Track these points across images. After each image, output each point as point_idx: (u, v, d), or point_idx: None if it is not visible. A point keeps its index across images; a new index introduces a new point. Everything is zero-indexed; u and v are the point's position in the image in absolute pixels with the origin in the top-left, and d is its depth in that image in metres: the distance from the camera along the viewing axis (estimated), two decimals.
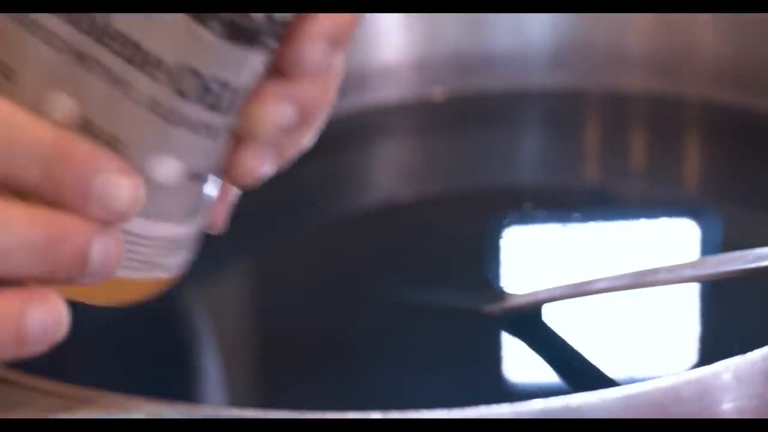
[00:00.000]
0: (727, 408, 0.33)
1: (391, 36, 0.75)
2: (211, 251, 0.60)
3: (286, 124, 0.34)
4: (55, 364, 0.44)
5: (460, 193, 0.67)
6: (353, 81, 0.74)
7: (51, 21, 0.32)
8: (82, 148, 0.31)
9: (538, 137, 0.77)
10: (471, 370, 0.48)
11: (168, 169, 0.33)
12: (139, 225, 0.34)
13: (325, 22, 0.33)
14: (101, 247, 0.31)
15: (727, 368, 0.34)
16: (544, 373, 0.48)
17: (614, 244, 0.59)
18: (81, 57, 0.32)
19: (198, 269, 0.57)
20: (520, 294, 0.52)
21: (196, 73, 0.32)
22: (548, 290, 0.50)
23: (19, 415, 0.33)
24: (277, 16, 0.32)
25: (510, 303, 0.51)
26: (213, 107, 0.33)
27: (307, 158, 0.71)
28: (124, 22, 0.31)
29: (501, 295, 0.53)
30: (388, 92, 0.75)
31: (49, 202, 0.31)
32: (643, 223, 0.62)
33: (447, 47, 0.76)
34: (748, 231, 0.60)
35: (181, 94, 0.32)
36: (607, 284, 0.48)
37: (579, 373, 0.48)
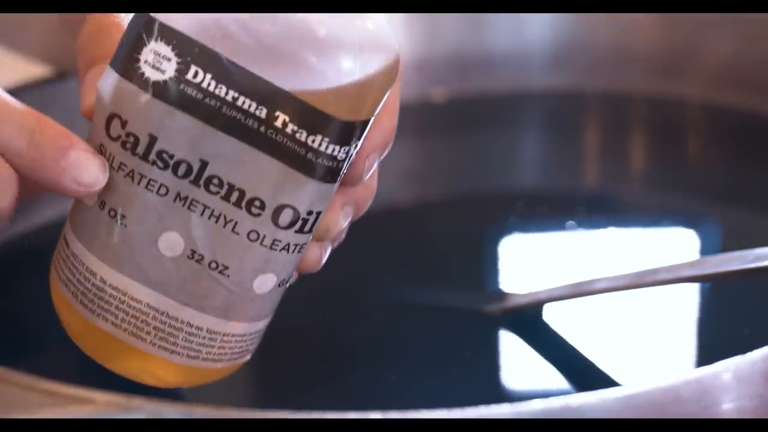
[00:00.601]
0: (727, 408, 0.33)
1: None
2: None
3: (348, 223, 0.40)
4: (55, 364, 0.44)
5: (460, 193, 0.67)
6: None
7: (153, 170, 0.35)
8: (59, 128, 0.36)
9: (538, 138, 0.77)
10: (471, 370, 0.48)
11: (265, 284, 0.38)
12: (237, 327, 0.38)
13: (375, 140, 0.38)
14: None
15: (727, 368, 0.34)
16: (544, 373, 0.48)
17: (614, 244, 0.59)
18: (184, 199, 0.36)
19: None
20: (520, 294, 0.52)
21: (293, 209, 0.36)
22: (548, 290, 0.50)
23: (19, 415, 0.33)
24: (353, 148, 0.37)
25: (510, 303, 0.51)
26: (305, 231, 0.37)
27: None
28: (220, 168, 0.35)
29: (501, 295, 0.53)
30: None
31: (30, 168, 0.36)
32: (643, 223, 0.62)
33: (447, 47, 0.76)
34: (748, 231, 0.60)
35: (279, 225, 0.36)
36: (607, 284, 0.48)
37: (579, 373, 0.48)
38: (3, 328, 0.51)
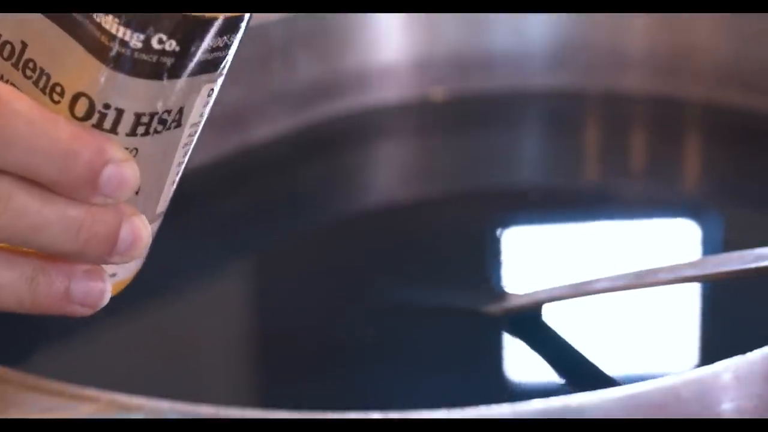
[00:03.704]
0: (727, 408, 0.33)
1: (391, 36, 0.75)
2: (211, 251, 0.60)
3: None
4: (55, 364, 0.44)
5: (460, 193, 0.67)
6: (353, 81, 0.74)
7: None
8: (93, 142, 0.34)
9: (538, 138, 0.77)
10: (471, 370, 0.48)
11: None
12: None
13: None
14: (130, 228, 0.34)
15: (727, 368, 0.34)
16: (544, 373, 0.48)
17: (614, 244, 0.59)
18: (6, 82, 0.34)
19: (198, 268, 0.58)
20: (520, 294, 0.52)
21: (88, 98, 0.34)
22: (548, 290, 0.50)
23: (19, 415, 0.33)
24: (155, 41, 0.34)
25: (510, 303, 0.51)
26: (104, 128, 0.34)
27: (307, 159, 0.71)
28: (36, 51, 0.34)
29: (501, 295, 0.53)
30: (388, 93, 0.75)
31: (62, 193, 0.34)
32: (643, 223, 0.62)
33: (447, 47, 0.76)
34: (748, 231, 0.60)
35: (75, 116, 0.34)
36: (607, 284, 0.48)
37: (579, 373, 0.48)
38: (3, 328, 0.51)
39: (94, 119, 0.34)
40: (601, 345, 0.49)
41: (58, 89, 0.34)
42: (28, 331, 0.51)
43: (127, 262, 0.36)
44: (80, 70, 0.34)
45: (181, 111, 0.35)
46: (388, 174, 0.73)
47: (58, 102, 0.34)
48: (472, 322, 0.51)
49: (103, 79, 0.34)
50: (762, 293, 0.51)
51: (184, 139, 0.36)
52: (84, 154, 0.33)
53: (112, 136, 0.34)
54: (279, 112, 0.71)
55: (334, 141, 0.72)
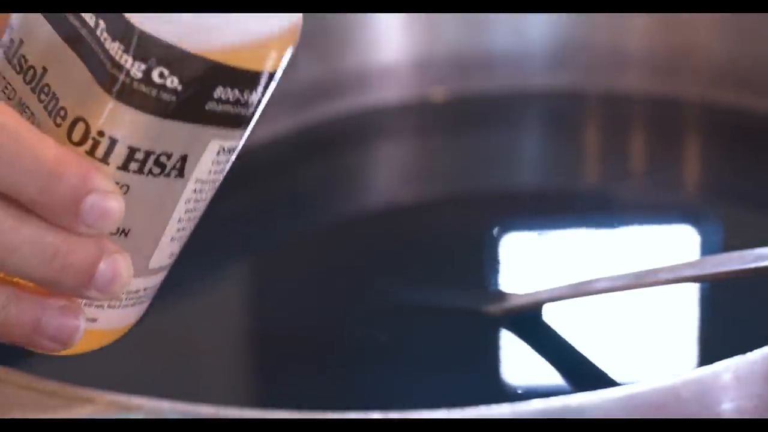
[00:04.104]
0: (727, 408, 0.33)
1: (391, 36, 0.75)
2: (211, 251, 0.60)
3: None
4: (55, 364, 0.44)
5: (460, 193, 0.67)
6: (353, 81, 0.74)
7: (8, 72, 0.34)
8: (79, 167, 0.33)
9: (538, 138, 0.77)
10: (471, 370, 0.48)
11: None
12: None
13: None
14: (111, 264, 0.33)
15: (727, 368, 0.34)
16: (544, 373, 0.48)
17: (614, 244, 0.59)
18: (22, 105, 0.34)
19: (198, 269, 0.58)
20: (520, 294, 0.52)
21: (85, 123, 0.33)
22: (548, 290, 0.50)
23: (19, 415, 0.33)
24: (156, 74, 0.33)
25: (510, 303, 0.51)
26: (98, 158, 0.34)
27: (307, 159, 0.71)
28: (52, 77, 0.33)
29: (501, 295, 0.53)
30: (388, 93, 0.75)
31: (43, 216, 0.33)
32: (643, 223, 0.62)
33: (447, 47, 0.76)
34: (748, 231, 0.60)
35: (72, 140, 0.33)
36: (607, 284, 0.48)
37: (579, 373, 0.48)
38: None
39: (88, 146, 0.33)
40: (601, 345, 0.49)
41: (62, 113, 0.34)
42: None
43: (106, 300, 0.35)
44: (83, 95, 0.33)
45: (184, 159, 0.34)
46: (388, 174, 0.73)
47: (60, 125, 0.34)
48: (472, 322, 0.51)
49: (100, 105, 0.33)
50: (762, 293, 0.51)
51: (187, 194, 0.35)
52: (68, 177, 0.32)
53: (103, 166, 0.33)
54: (279, 113, 0.71)
55: (334, 141, 0.72)
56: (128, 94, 0.33)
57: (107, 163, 0.33)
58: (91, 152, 0.33)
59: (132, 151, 0.34)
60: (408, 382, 0.46)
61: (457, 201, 0.66)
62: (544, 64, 0.76)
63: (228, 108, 0.34)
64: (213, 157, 0.35)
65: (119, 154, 0.33)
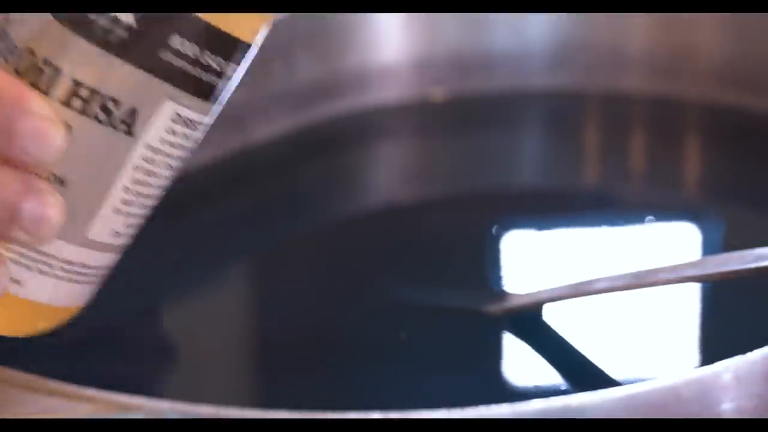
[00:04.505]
0: (727, 408, 0.33)
1: (391, 36, 0.75)
2: (211, 251, 0.60)
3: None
4: (55, 364, 0.44)
5: (460, 193, 0.67)
6: (353, 81, 0.74)
7: None
8: (16, 89, 0.31)
9: (538, 138, 0.77)
10: (471, 370, 0.48)
11: None
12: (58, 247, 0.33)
13: None
14: (38, 202, 0.31)
15: (727, 368, 0.34)
16: (544, 373, 0.48)
17: (614, 244, 0.59)
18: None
19: (198, 269, 0.58)
20: (520, 294, 0.52)
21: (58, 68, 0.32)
22: (549, 290, 0.50)
23: (19, 415, 0.33)
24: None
25: (510, 303, 0.51)
26: (65, 104, 0.32)
27: (306, 159, 0.71)
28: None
29: (501, 295, 0.53)
30: (388, 93, 0.75)
31: None
32: (643, 223, 0.62)
33: (447, 47, 0.76)
34: (748, 231, 0.60)
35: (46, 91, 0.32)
36: (608, 284, 0.48)
37: (579, 373, 0.48)
38: None
39: (32, 76, 0.32)
40: (601, 345, 0.49)
41: (11, 46, 0.32)
42: None
43: (34, 244, 0.32)
44: (34, 25, 0.32)
45: (133, 113, 0.32)
46: (388, 174, 0.73)
47: (8, 60, 0.32)
48: (472, 322, 0.51)
49: (49, 33, 0.32)
50: (762, 293, 0.51)
51: (135, 159, 0.33)
52: (2, 98, 0.31)
53: (45, 97, 0.32)
54: (279, 113, 0.71)
55: (334, 141, 0.72)
56: (78, 23, 0.32)
57: (49, 95, 0.32)
58: (34, 83, 0.32)
59: (76, 84, 0.32)
60: (408, 382, 0.46)
61: (457, 201, 0.66)
62: (544, 64, 0.76)
63: (186, 66, 0.32)
64: (167, 123, 0.33)
65: (63, 86, 0.32)
